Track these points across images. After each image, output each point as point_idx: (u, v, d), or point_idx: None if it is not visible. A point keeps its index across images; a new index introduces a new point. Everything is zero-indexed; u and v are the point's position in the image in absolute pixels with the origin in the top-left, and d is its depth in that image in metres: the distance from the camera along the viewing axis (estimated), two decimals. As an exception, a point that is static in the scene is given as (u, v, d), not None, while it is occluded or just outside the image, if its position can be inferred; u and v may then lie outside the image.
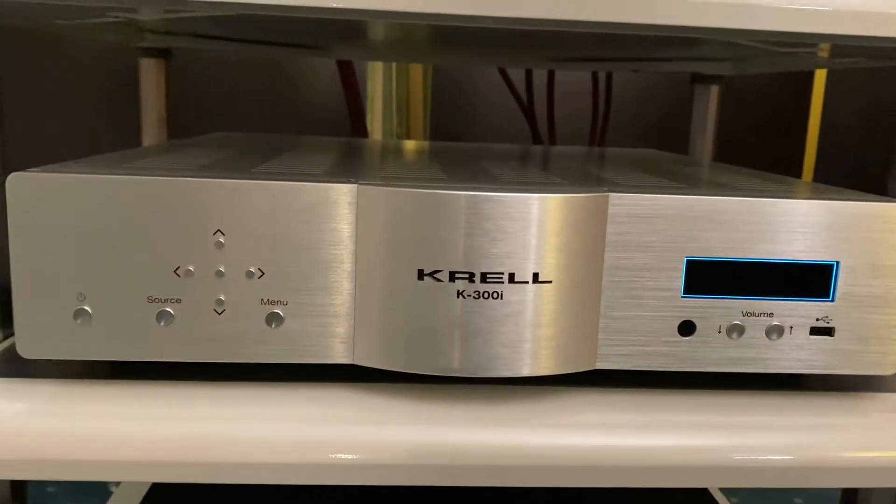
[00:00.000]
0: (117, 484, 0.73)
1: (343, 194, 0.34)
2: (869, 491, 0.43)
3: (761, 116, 1.18)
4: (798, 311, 0.37)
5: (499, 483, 0.35)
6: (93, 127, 1.08)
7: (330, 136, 0.75)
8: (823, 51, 0.44)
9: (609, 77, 0.90)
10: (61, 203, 0.33)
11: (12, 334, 0.35)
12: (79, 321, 0.34)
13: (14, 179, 0.33)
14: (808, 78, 1.18)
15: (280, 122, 1.11)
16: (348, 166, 0.42)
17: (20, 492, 0.39)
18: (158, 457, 0.34)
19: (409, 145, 0.65)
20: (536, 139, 0.95)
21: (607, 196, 0.35)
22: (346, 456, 0.34)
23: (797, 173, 1.21)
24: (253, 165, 0.40)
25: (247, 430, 0.34)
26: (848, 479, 0.37)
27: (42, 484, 1.05)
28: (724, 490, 0.65)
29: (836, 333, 0.37)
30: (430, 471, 0.34)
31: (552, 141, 0.96)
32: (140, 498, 0.55)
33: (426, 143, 0.69)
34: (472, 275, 0.34)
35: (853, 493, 0.44)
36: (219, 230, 0.34)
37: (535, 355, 0.35)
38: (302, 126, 1.10)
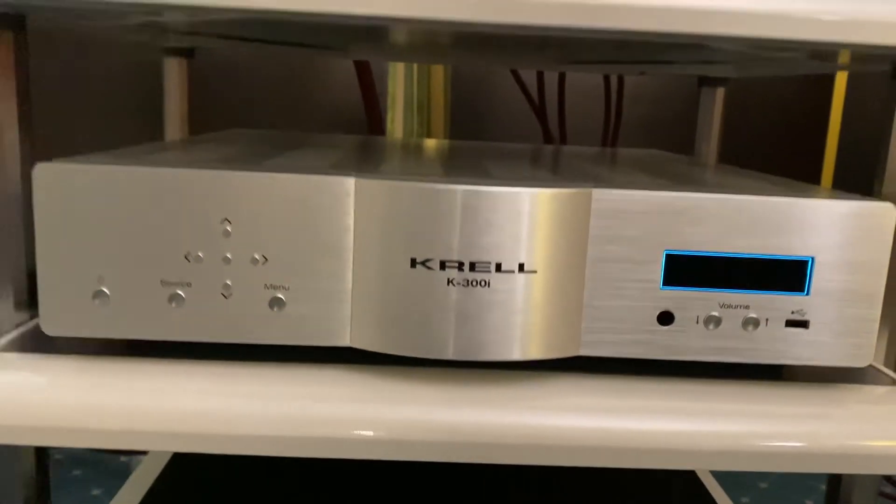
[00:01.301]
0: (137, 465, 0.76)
1: (342, 187, 0.37)
2: (851, 477, 0.45)
3: (781, 121, 1.19)
4: (774, 305, 0.39)
5: (488, 460, 0.37)
6: (118, 124, 1.12)
7: (348, 134, 0.77)
8: (814, 54, 0.45)
9: (620, 79, 0.92)
10: (83, 191, 0.36)
11: (37, 315, 0.38)
12: (97, 301, 0.37)
13: (40, 170, 0.36)
14: (829, 82, 1.18)
15: (301, 121, 1.13)
16: (353, 161, 0.44)
17: (42, 464, 0.42)
18: (175, 428, 0.36)
19: (418, 143, 0.67)
20: (548, 139, 0.97)
21: (590, 192, 0.37)
22: (342, 432, 0.37)
23: (815, 180, 1.21)
24: (262, 159, 0.42)
25: (246, 405, 0.37)
26: (828, 465, 0.39)
27: (67, 468, 1.09)
28: (733, 493, 0.66)
29: (811, 326, 0.39)
30: (421, 447, 0.37)
31: (563, 141, 0.98)
32: (156, 475, 0.58)
33: (433, 141, 0.71)
34: (461, 264, 0.36)
35: (837, 479, 0.46)
36: (226, 219, 0.37)
37: (520, 341, 0.37)
38: (322, 124, 1.13)
